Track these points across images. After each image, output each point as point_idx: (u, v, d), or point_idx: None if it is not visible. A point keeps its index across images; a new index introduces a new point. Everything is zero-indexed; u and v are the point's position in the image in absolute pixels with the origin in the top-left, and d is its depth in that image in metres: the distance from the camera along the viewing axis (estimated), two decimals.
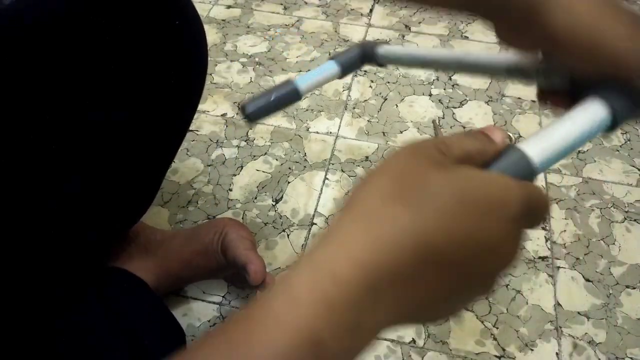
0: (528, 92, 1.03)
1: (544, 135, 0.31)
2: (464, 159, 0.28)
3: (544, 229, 0.81)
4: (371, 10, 1.24)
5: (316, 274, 0.24)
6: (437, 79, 1.05)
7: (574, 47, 0.33)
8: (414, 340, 0.69)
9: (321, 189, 0.86)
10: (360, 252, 0.24)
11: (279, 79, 1.04)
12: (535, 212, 0.29)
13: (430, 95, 1.02)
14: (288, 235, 0.79)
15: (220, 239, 0.65)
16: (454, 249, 0.25)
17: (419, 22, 1.20)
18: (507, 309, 0.72)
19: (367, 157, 0.91)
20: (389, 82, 1.04)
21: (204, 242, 0.66)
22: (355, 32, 1.17)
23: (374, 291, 0.24)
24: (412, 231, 0.24)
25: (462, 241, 0.25)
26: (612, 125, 0.33)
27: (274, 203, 0.83)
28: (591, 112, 0.33)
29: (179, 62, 0.51)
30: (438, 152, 0.27)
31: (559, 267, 0.77)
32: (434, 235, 0.24)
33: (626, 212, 0.84)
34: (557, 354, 0.69)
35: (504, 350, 0.68)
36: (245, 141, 0.93)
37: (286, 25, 1.19)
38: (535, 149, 0.30)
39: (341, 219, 0.26)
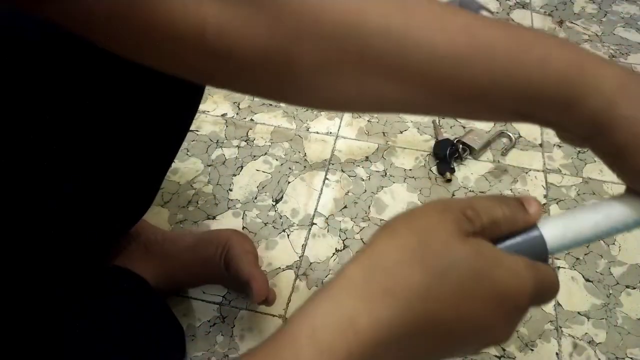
0: None
1: (570, 219, 0.31)
2: (491, 228, 0.29)
3: None
4: None
5: (341, 323, 0.26)
6: None
7: (636, 168, 0.31)
8: None
9: (321, 189, 0.86)
10: (378, 310, 0.26)
11: None
12: (544, 296, 0.31)
13: None
14: (288, 235, 0.79)
15: (223, 253, 0.65)
16: (458, 322, 0.27)
17: None
18: None
19: (367, 157, 0.91)
20: None
21: (206, 254, 0.66)
22: None
23: (385, 345, 0.26)
24: (426, 299, 0.26)
25: (469, 318, 0.27)
26: None
27: (274, 203, 0.83)
28: (629, 210, 0.31)
29: None
30: (466, 219, 0.28)
31: (559, 267, 0.77)
32: (444, 307, 0.26)
33: None
34: (557, 354, 0.69)
35: (504, 350, 0.68)
36: (245, 141, 0.93)
37: None
38: (554, 232, 0.31)
39: (364, 267, 0.27)
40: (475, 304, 0.27)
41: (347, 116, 0.97)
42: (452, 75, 0.30)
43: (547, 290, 0.30)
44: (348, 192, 0.85)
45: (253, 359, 0.26)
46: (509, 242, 0.30)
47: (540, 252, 0.30)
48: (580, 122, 0.31)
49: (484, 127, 0.96)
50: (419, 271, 0.26)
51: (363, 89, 0.32)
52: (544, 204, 0.84)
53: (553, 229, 0.31)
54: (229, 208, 0.83)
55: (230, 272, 0.63)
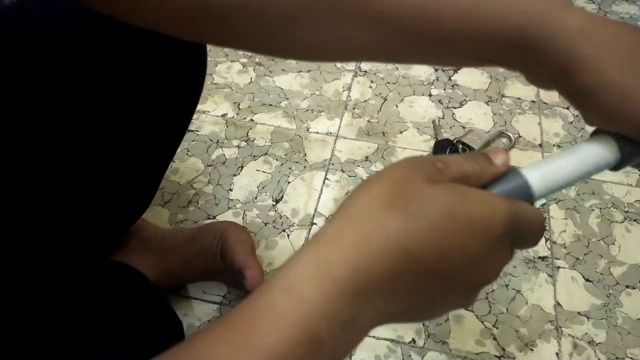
0: (528, 92, 1.03)
1: (548, 164, 0.32)
2: (460, 180, 0.29)
3: None
4: None
5: (317, 274, 0.25)
6: (437, 79, 1.05)
7: (600, 106, 0.32)
8: (414, 340, 0.69)
9: (321, 189, 0.86)
10: (355, 257, 0.26)
11: (280, 79, 1.04)
12: (525, 233, 0.30)
13: (430, 95, 1.02)
14: (288, 235, 0.79)
15: (219, 243, 0.65)
16: (438, 261, 0.26)
17: None
18: (507, 309, 0.72)
19: (367, 157, 0.91)
20: (388, 83, 1.04)
21: (203, 244, 0.66)
22: None
23: (365, 292, 0.25)
24: (401, 240, 0.26)
25: (447, 254, 0.27)
26: (617, 166, 0.34)
27: (274, 203, 0.83)
28: (601, 151, 0.33)
29: (178, 61, 0.51)
30: (435, 169, 0.28)
31: (558, 267, 0.77)
32: (421, 246, 0.26)
33: (626, 212, 0.84)
34: (557, 354, 0.69)
35: (504, 350, 0.68)
36: (246, 141, 0.93)
37: None
38: (536, 175, 0.31)
39: (338, 221, 0.27)
40: (452, 237, 0.27)
41: (347, 116, 0.97)
42: (418, 22, 0.31)
43: (528, 223, 0.29)
44: (348, 192, 0.85)
45: (230, 319, 0.25)
46: (496, 190, 0.30)
47: (523, 192, 0.31)
48: (545, 64, 0.32)
49: (484, 127, 0.96)
50: (392, 217, 0.26)
51: (333, 37, 0.33)
52: (544, 204, 0.84)
53: (536, 175, 0.31)
54: (229, 208, 0.83)
55: (226, 262, 0.64)
